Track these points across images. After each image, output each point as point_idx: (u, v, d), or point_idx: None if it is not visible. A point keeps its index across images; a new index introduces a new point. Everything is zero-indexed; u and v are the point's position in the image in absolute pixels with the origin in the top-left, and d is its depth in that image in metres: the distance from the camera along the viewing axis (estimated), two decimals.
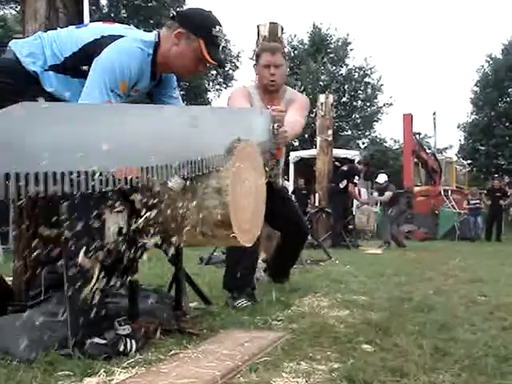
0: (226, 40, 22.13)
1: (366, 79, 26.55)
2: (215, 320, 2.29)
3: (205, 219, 1.76)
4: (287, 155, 12.93)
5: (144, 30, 2.16)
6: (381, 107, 26.65)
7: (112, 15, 21.79)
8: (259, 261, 3.32)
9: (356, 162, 10.86)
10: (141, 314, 1.95)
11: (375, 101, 26.60)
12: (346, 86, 26.49)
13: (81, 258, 1.63)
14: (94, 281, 1.65)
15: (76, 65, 1.85)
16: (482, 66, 25.60)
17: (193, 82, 22.00)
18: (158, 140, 1.58)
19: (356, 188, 9.64)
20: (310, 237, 5.09)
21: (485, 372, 1.54)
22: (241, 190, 1.83)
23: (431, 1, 59.35)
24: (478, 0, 60.99)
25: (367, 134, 27.63)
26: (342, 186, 8.93)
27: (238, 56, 24.88)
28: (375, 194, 10.25)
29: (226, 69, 24.62)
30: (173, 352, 1.72)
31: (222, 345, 1.80)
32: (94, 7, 19.02)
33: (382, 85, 26.48)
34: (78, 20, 2.26)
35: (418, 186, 14.40)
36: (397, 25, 60.77)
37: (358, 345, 1.84)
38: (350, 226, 9.59)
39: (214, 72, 24.43)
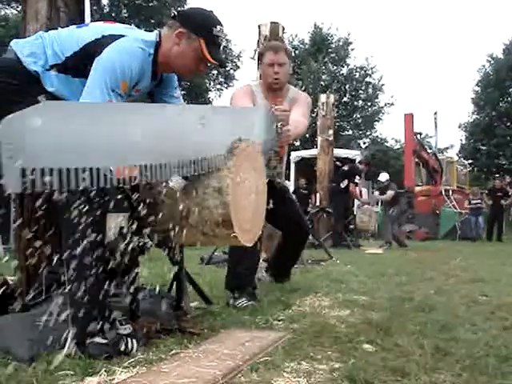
0: (226, 40, 22.16)
1: (367, 79, 26.57)
2: (216, 320, 2.29)
3: (206, 219, 1.77)
4: (288, 155, 12.93)
5: (145, 30, 2.16)
6: (382, 107, 26.69)
7: (113, 15, 21.81)
8: (261, 261, 3.32)
9: (357, 161, 10.85)
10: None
11: (376, 100, 26.62)
12: (347, 86, 26.51)
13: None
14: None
15: (77, 64, 1.84)
16: (484, 66, 25.65)
17: (194, 81, 22.02)
18: (159, 139, 1.58)
19: (357, 188, 9.63)
20: (310, 236, 5.09)
21: (486, 372, 1.54)
22: (241, 189, 1.82)
23: (432, 0, 59.35)
24: (479, 0, 60.94)
25: (368, 133, 27.66)
26: (342, 185, 8.93)
27: (238, 56, 24.93)
28: (376, 193, 10.24)
29: (227, 68, 24.64)
30: (174, 351, 1.72)
31: (223, 344, 1.80)
32: (95, 7, 19.06)
33: (383, 84, 26.54)
34: (79, 19, 2.26)
35: (419, 185, 14.41)
36: (398, 25, 60.77)
37: (359, 344, 1.84)
38: (351, 226, 9.60)
39: (214, 72, 24.46)
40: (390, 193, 9.20)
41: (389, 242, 8.97)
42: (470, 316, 2.42)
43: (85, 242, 1.63)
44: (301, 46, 26.77)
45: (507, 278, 4.08)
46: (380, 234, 11.29)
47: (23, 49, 1.87)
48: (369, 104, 26.73)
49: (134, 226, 1.84)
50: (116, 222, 1.79)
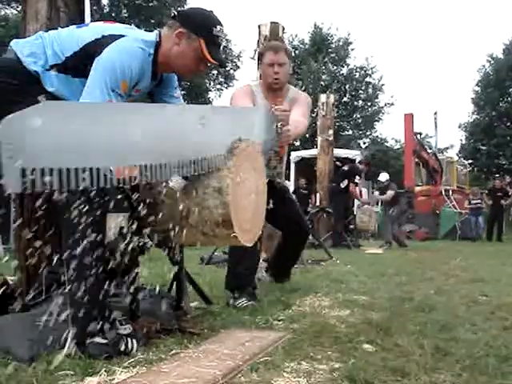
0: (226, 40, 22.16)
1: (367, 79, 26.57)
2: (216, 320, 2.29)
3: (206, 219, 1.77)
4: (288, 155, 12.93)
5: (145, 30, 2.16)
6: (382, 107, 26.69)
7: (113, 15, 21.81)
8: (261, 261, 3.32)
9: (357, 161, 10.85)
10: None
11: (376, 100, 26.62)
12: (347, 86, 26.51)
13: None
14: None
15: (77, 64, 1.84)
16: (484, 66, 25.65)
17: (194, 81, 22.02)
18: (159, 139, 1.58)
19: (357, 188, 9.63)
20: (310, 236, 5.09)
21: (486, 372, 1.54)
22: (241, 189, 1.82)
23: (433, 0, 59.35)
24: (479, 0, 60.93)
25: (368, 133, 27.66)
26: (342, 185, 8.93)
27: (238, 56, 24.93)
28: (376, 193, 10.24)
29: (227, 68, 24.64)
30: (174, 351, 1.72)
31: (223, 344, 1.80)
32: (95, 7, 19.06)
33: (383, 84, 26.54)
34: (79, 19, 2.26)
35: (419, 185, 14.41)
36: (398, 25, 60.77)
37: (359, 344, 1.84)
38: (351, 226, 9.60)
39: (214, 72, 24.46)
40: (389, 193, 9.20)
41: (389, 242, 8.97)
42: (469, 316, 2.42)
43: (85, 242, 1.63)
44: (301, 45, 26.77)
45: (507, 278, 4.08)
46: (380, 234, 11.29)
47: (23, 49, 1.87)
48: (369, 104, 26.73)
49: (134, 226, 1.84)
50: (116, 222, 1.79)
